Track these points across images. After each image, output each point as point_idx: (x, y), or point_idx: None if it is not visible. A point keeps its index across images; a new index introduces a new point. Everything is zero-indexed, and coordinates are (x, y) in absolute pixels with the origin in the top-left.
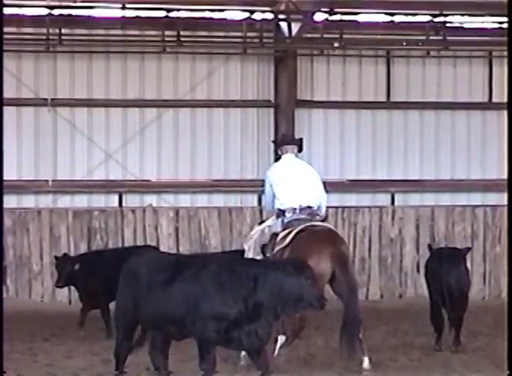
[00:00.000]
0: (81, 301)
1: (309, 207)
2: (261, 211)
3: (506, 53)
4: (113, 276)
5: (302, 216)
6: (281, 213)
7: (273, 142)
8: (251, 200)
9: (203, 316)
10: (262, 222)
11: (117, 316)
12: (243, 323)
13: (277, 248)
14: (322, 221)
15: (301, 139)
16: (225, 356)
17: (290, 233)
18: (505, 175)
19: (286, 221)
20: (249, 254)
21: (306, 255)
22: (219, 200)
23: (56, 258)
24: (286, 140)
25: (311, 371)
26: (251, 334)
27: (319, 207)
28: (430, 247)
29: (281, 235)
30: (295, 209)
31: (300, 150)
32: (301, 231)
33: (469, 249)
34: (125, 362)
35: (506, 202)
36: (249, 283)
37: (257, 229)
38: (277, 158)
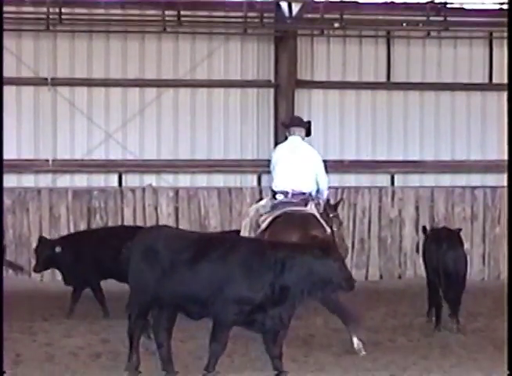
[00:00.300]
0: (66, 284)
1: (303, 193)
2: (260, 192)
3: (506, 34)
4: (102, 255)
5: (294, 200)
6: (273, 194)
7: (282, 123)
8: (251, 180)
9: (225, 298)
10: (261, 199)
11: (131, 293)
12: (268, 306)
13: (258, 231)
14: (336, 204)
15: (309, 122)
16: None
17: (269, 217)
18: (505, 156)
19: (274, 203)
20: (244, 233)
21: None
22: (219, 180)
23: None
24: (294, 122)
25: (309, 351)
26: (275, 317)
27: (318, 192)
28: (424, 229)
29: (262, 218)
30: (287, 193)
31: (308, 133)
32: (278, 217)
33: (460, 230)
34: (139, 341)
35: (505, 183)
36: (276, 267)
37: (253, 207)
38: (276, 139)
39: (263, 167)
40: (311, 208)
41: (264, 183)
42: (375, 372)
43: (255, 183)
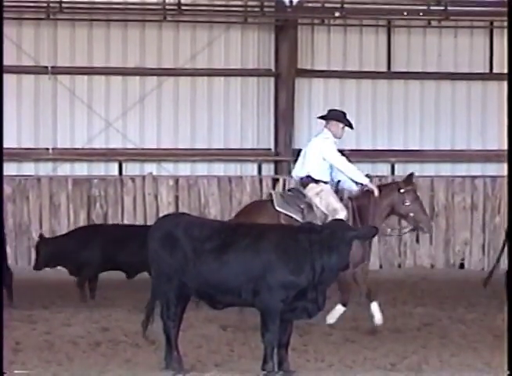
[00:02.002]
0: None
1: (301, 177)
2: (260, 180)
3: (506, 24)
4: None
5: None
6: None
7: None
8: (251, 169)
9: (270, 286)
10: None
11: (154, 281)
12: (309, 290)
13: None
14: (409, 177)
15: (343, 113)
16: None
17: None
18: (505, 146)
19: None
20: None
21: None
22: (219, 169)
23: None
24: (329, 116)
25: (309, 340)
26: (313, 301)
27: (336, 182)
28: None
29: None
30: (295, 179)
31: (348, 126)
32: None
33: None
34: (178, 332)
35: (505, 173)
36: (313, 249)
37: None
38: (276, 128)
39: (263, 156)
40: (309, 190)
41: (264, 172)
42: (374, 361)
43: (255, 172)
